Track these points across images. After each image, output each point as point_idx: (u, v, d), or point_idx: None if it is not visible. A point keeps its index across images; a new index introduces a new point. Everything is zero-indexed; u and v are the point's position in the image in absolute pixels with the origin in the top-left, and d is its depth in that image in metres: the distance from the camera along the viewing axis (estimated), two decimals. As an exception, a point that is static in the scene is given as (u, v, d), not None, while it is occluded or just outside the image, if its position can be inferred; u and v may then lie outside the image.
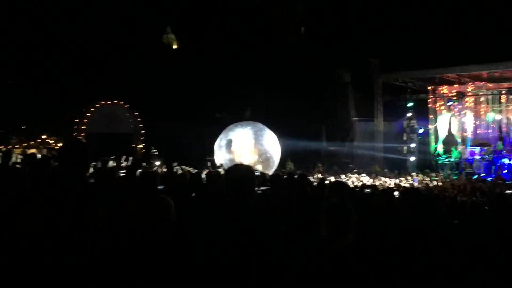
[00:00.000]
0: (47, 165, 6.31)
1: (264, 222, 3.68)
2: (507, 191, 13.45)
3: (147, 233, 3.63)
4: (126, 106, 26.35)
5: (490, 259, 4.18)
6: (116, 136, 24.69)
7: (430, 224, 4.21)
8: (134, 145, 26.00)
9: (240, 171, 3.80)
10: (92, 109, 25.70)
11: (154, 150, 12.49)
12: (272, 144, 21.23)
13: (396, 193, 9.84)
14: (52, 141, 24.19)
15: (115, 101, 26.16)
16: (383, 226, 5.09)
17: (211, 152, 22.03)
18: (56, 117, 24.06)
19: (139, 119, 26.43)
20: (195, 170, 15.22)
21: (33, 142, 23.22)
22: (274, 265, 3.38)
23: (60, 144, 23.63)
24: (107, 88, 25.37)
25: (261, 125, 21.39)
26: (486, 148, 25.05)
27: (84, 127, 25.55)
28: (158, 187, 6.09)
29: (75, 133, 25.32)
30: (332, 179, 17.20)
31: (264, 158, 20.79)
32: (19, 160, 14.38)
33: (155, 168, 12.41)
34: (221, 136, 21.33)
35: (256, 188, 5.70)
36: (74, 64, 25.01)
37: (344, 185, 6.16)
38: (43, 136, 23.97)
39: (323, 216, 4.01)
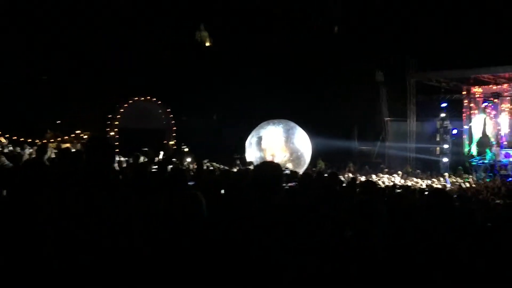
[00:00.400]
0: (80, 159, 6.37)
1: (285, 220, 3.66)
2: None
3: (181, 228, 3.64)
4: (158, 102, 26.64)
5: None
6: (148, 132, 24.95)
7: (455, 227, 4.15)
8: (166, 141, 26.26)
9: (267, 168, 3.80)
10: (125, 105, 26.02)
11: (184, 147, 12.56)
12: (303, 143, 21.13)
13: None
14: (86, 136, 24.53)
15: (147, 97, 26.46)
16: (408, 227, 5.04)
17: (240, 150, 22.10)
18: (90, 113, 24.42)
19: (171, 115, 26.69)
20: (225, 167, 15.26)
21: (67, 137, 23.60)
22: (287, 264, 3.38)
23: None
24: (139, 85, 25.65)
25: (292, 124, 21.31)
26: (521, 150, 24.61)
27: (117, 122, 25.88)
28: (189, 183, 6.12)
29: (108, 129, 25.68)
30: (363, 179, 17.08)
31: (295, 157, 20.72)
32: (53, 156, 14.61)
33: (186, 164, 12.47)
34: (252, 133, 21.34)
35: (284, 184, 5.71)
36: (107, 60, 25.29)
37: (375, 184, 6.13)
38: (77, 131, 24.33)
39: (351, 215, 3.98)
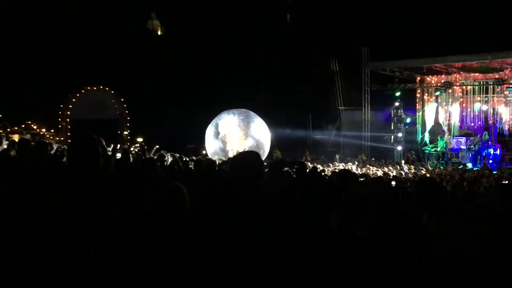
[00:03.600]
0: (44, 151, 6.08)
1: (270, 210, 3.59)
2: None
3: (166, 221, 3.51)
4: (111, 91, 26.03)
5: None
6: (102, 122, 24.42)
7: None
8: (119, 132, 25.72)
9: (247, 157, 3.71)
10: (77, 95, 25.34)
11: (157, 146, 12.32)
12: (262, 132, 21.07)
13: (393, 183, 9.81)
14: (36, 126, 23.88)
15: (100, 87, 25.81)
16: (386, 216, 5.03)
17: (196, 139, 21.87)
18: (41, 103, 23.76)
19: (125, 105, 26.15)
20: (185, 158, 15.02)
21: (17, 128, 22.90)
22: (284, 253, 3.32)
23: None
24: (94, 74, 25.08)
25: (251, 113, 21.17)
26: (472, 138, 25.18)
27: (69, 113, 25.23)
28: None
29: (60, 119, 25.03)
30: (320, 168, 17.14)
31: (255, 147, 20.55)
32: (5, 146, 14.07)
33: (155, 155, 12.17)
34: (211, 124, 21.12)
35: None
36: (58, 49, 24.68)
37: (352, 174, 6.11)
38: (28, 122, 23.65)
39: (340, 205, 3.94)
